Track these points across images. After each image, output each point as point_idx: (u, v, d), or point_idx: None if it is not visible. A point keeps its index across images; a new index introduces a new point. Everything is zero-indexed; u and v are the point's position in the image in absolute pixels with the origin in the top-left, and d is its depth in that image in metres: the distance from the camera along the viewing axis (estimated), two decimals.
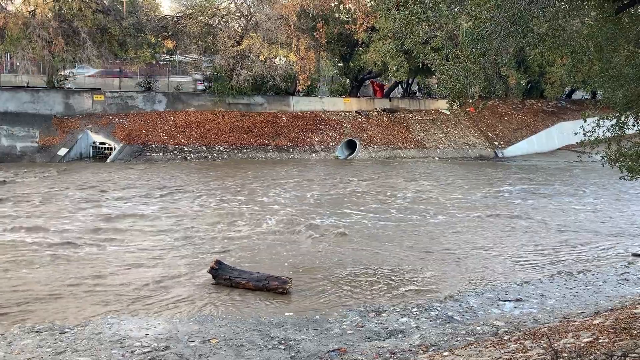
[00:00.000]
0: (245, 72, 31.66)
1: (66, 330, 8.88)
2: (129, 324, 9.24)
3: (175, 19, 33.36)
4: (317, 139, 33.05)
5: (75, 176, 23.24)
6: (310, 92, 36.22)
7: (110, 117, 30.21)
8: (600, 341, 6.65)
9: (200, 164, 28.60)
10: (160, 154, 29.23)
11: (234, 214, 17.43)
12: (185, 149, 30.05)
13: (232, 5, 33.95)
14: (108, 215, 16.81)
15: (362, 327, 9.31)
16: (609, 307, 9.82)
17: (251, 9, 33.71)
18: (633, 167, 8.37)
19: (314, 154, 32.02)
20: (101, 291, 10.90)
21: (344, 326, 9.35)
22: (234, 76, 31.92)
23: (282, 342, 8.57)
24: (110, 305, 10.17)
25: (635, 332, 6.85)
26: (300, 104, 35.01)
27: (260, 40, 31.84)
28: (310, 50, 32.91)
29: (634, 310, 8.64)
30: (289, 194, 20.95)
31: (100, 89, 32.11)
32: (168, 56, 40.52)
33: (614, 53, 8.01)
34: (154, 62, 36.29)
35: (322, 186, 22.94)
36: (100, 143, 29.10)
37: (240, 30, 33.58)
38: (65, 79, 31.38)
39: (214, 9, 33.27)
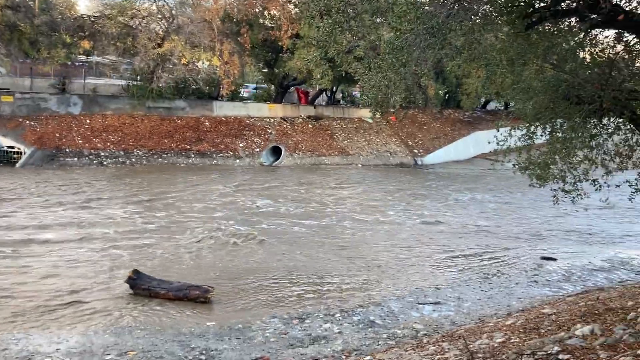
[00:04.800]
0: (166, 75, 30.93)
1: None
2: (38, 339, 8.70)
3: (92, 19, 32.03)
4: (241, 145, 32.75)
5: None
6: (234, 97, 35.87)
7: (20, 120, 28.54)
8: (512, 341, 6.96)
9: (117, 169, 27.56)
10: (75, 159, 27.92)
11: (152, 222, 16.90)
12: (102, 154, 28.87)
13: (154, 7, 33.11)
14: (17, 225, 15.81)
15: (285, 334, 9.27)
16: (520, 308, 10.32)
17: (173, 11, 33.00)
18: (541, 175, 8.84)
19: (238, 160, 31.69)
20: (9, 305, 10.21)
21: (267, 334, 9.26)
22: (155, 79, 31.08)
23: (204, 352, 8.37)
24: (19, 320, 9.55)
25: (543, 331, 7.23)
26: (224, 109, 34.57)
27: (183, 43, 31.22)
28: (234, 55, 32.63)
29: (542, 311, 9.13)
30: (211, 201, 20.58)
31: (9, 89, 30.26)
32: (85, 57, 38.83)
33: (524, 67, 8.44)
34: (69, 63, 34.65)
35: (245, 193, 22.72)
36: (9, 147, 27.40)
37: (161, 33, 32.76)
38: None
39: (134, 10, 32.27)
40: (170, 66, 31.17)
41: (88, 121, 30.21)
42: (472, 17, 7.28)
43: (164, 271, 12.21)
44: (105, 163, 28.30)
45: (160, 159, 29.96)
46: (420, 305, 10.87)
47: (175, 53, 30.98)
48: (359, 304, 10.86)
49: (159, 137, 31.06)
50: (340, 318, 10.06)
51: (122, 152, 29.47)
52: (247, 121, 34.60)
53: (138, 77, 32.56)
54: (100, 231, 15.58)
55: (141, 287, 10.83)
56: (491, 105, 46.28)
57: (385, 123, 37.52)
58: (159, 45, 31.19)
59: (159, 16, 33.30)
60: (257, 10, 35.28)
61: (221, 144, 32.37)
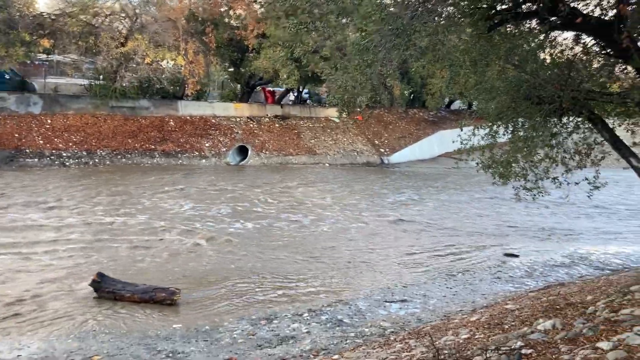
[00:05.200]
0: (130, 74, 30.40)
1: None
2: None
3: (52, 17, 31.24)
4: (207, 145, 32.46)
5: None
6: (199, 96, 35.54)
7: None
8: (476, 337, 7.10)
9: (80, 170, 26.96)
10: (36, 160, 27.21)
11: (116, 224, 16.60)
12: (64, 155, 28.20)
13: (117, 6, 32.46)
14: None
15: (253, 335, 9.23)
16: (484, 304, 10.52)
17: (137, 10, 32.45)
18: (503, 173, 9.05)
19: (204, 160, 31.39)
20: None
21: (235, 335, 9.21)
22: (118, 78, 30.52)
23: (170, 355, 8.28)
24: None
25: (506, 326, 7.39)
26: (189, 109, 34.21)
27: (147, 42, 30.75)
28: (200, 55, 32.31)
29: (505, 306, 9.33)
30: (176, 202, 20.34)
31: None
32: (45, 56, 37.85)
33: (487, 68, 8.61)
34: (29, 62, 33.73)
35: (211, 193, 22.53)
36: None
37: (125, 32, 32.19)
38: None
39: (97, 9, 31.61)
40: (134, 65, 30.65)
41: (49, 121, 29.48)
42: (436, 18, 7.39)
43: (129, 274, 12.01)
44: (67, 164, 27.66)
45: (124, 159, 29.45)
46: (388, 303, 10.97)
47: (139, 52, 30.49)
48: (326, 303, 10.89)
49: (123, 137, 30.53)
50: (308, 318, 10.07)
51: (84, 153, 28.85)
52: (213, 120, 34.32)
53: (101, 77, 31.95)
54: (62, 233, 15.22)
55: (106, 290, 10.63)
56: (455, 105, 47.00)
57: (352, 122, 37.76)
58: (122, 45, 30.65)
59: (122, 15, 32.71)
60: (222, 9, 35.02)
61: (186, 143, 32.02)
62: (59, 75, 35.87)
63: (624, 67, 9.42)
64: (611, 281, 10.32)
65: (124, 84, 30.56)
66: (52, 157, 27.71)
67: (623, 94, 8.75)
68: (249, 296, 11.21)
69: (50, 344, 8.60)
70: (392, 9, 7.14)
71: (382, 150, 37.53)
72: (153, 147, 30.88)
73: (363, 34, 7.55)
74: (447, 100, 44.76)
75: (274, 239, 15.83)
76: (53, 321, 9.60)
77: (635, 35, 8.25)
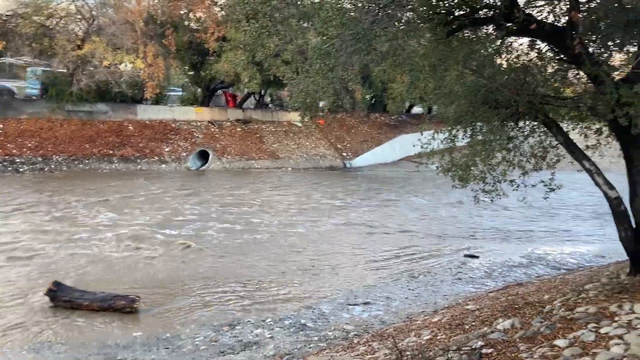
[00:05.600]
0: (87, 78, 29.69)
1: None
2: None
3: (4, 18, 30.26)
4: (167, 149, 31.98)
5: None
6: (159, 100, 34.99)
7: None
8: (438, 337, 7.19)
9: (35, 176, 26.16)
10: None
11: (72, 231, 16.17)
12: (18, 160, 27.30)
13: (72, 7, 31.68)
14: None
15: (216, 341, 9.13)
16: (446, 305, 10.67)
17: (93, 12, 31.76)
18: (463, 176, 9.18)
19: (164, 165, 30.91)
20: None
21: (197, 342, 9.09)
22: (74, 82, 29.77)
23: None
24: None
25: (467, 326, 7.51)
26: (148, 113, 33.64)
27: (104, 45, 30.10)
28: (159, 58, 31.83)
29: (466, 307, 9.49)
30: (136, 208, 19.95)
31: None
32: None
33: (446, 72, 8.74)
34: None
35: (171, 198, 22.19)
36: None
37: (81, 34, 31.45)
38: None
39: (51, 10, 30.76)
40: (91, 68, 29.96)
41: (1, 126, 28.51)
42: (396, 23, 7.47)
43: (87, 281, 11.71)
44: (21, 170, 26.79)
45: (81, 165, 28.73)
46: (351, 306, 11.01)
47: (96, 55, 29.82)
48: (290, 308, 10.86)
49: (80, 142, 29.78)
50: (271, 323, 10.02)
51: (39, 158, 28.00)
52: (173, 125, 33.84)
53: (56, 80, 31.05)
54: (15, 242, 14.73)
55: (62, 299, 10.33)
56: (416, 109, 47.62)
57: (315, 127, 37.81)
58: (79, 47, 29.91)
59: (79, 17, 31.95)
60: (182, 12, 34.60)
61: (146, 148, 31.46)
62: (12, 79, 34.77)
63: (576, 72, 9.72)
64: (567, 280, 10.62)
65: (81, 88, 29.82)
66: (5, 163, 26.80)
67: (576, 98, 9.02)
68: (211, 302, 11.08)
69: (4, 357, 8.31)
70: (352, 13, 7.18)
71: (345, 154, 37.71)
72: (111, 152, 30.23)
73: (324, 38, 7.56)
74: (407, 104, 45.29)
75: (236, 244, 15.70)
76: (6, 332, 9.28)
77: (586, 41, 8.53)
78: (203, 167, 31.97)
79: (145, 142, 31.75)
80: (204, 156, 32.79)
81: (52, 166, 27.90)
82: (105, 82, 30.40)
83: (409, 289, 12.20)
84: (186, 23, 35.00)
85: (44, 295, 10.46)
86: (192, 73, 38.09)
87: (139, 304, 10.35)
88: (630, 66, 7.64)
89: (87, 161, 29.15)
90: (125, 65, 32.95)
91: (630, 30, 8.82)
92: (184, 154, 32.16)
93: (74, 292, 10.51)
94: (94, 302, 10.29)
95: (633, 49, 9.03)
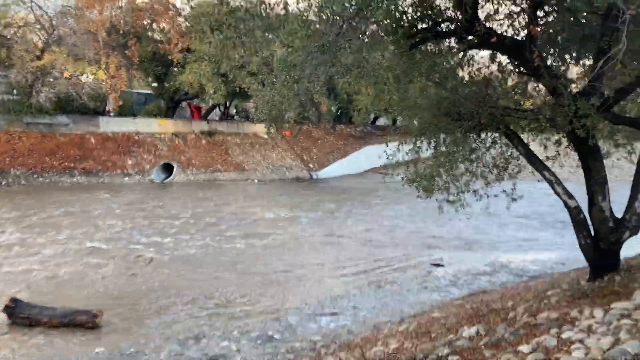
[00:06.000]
0: (47, 89, 29.05)
1: None
2: None
3: None
4: (130, 162, 31.47)
5: None
6: (122, 112, 34.45)
7: None
8: (405, 346, 7.24)
9: None
10: None
11: (32, 245, 15.72)
12: None
13: (31, 16, 31.00)
14: None
15: (181, 355, 8.98)
16: (412, 314, 10.76)
17: (53, 22, 31.13)
18: (427, 187, 9.32)
19: (127, 178, 30.39)
20: None
21: (162, 357, 8.92)
22: (34, 93, 29.08)
23: None
24: None
25: (433, 334, 7.59)
26: (111, 125, 33.06)
27: (65, 55, 29.51)
28: (122, 69, 31.41)
29: (432, 315, 9.58)
30: (96, 221, 19.54)
31: None
32: None
33: (410, 84, 8.89)
34: None
35: (134, 211, 21.82)
36: None
37: (40, 44, 30.78)
38: None
39: (8, 19, 30.04)
40: (51, 80, 29.34)
41: None
42: (361, 36, 7.56)
43: (46, 297, 11.37)
44: None
45: (41, 179, 28.01)
46: (318, 317, 10.99)
47: (57, 66, 29.22)
48: (256, 319, 10.77)
49: (40, 155, 29.06)
50: (238, 335, 9.91)
51: None
52: (137, 137, 33.34)
53: (14, 91, 30.30)
54: None
55: (20, 315, 10.01)
56: (381, 121, 48.12)
57: (281, 138, 37.76)
58: (38, 58, 29.27)
59: (38, 26, 31.29)
60: (145, 22, 34.26)
61: (108, 161, 30.90)
62: None
63: (536, 85, 10.01)
64: (529, 287, 10.85)
65: (41, 100, 29.14)
66: None
67: (536, 110, 9.28)
68: (176, 316, 10.90)
69: None
70: (317, 26, 7.25)
71: (311, 165, 37.79)
72: (73, 165, 29.58)
73: (289, 50, 7.60)
74: (372, 116, 45.76)
75: (202, 256, 15.52)
76: None
77: (545, 54, 8.80)
78: (167, 180, 31.56)
79: (108, 155, 31.19)
80: (168, 169, 32.38)
81: (10, 180, 27.13)
82: (66, 93, 29.78)
83: (376, 299, 12.25)
84: (150, 34, 34.68)
85: (1, 312, 10.11)
86: (156, 84, 37.68)
87: (101, 319, 10.10)
88: (587, 79, 7.91)
89: (47, 175, 28.45)
90: (87, 77, 32.36)
91: (586, 44, 9.15)
92: (148, 167, 31.70)
93: (32, 308, 10.20)
94: (54, 318, 10.00)
95: (589, 62, 9.36)
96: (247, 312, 11.25)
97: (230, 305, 11.62)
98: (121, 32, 32.76)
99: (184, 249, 16.29)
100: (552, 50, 9.77)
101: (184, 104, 40.15)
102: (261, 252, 16.33)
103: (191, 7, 30.77)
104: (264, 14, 7.17)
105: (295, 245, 17.33)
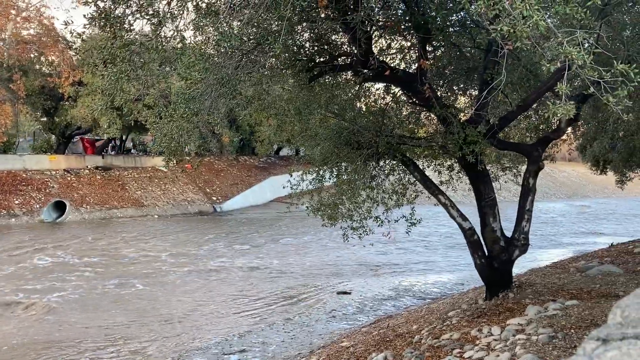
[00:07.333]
0: None
1: None
2: None
3: None
4: (17, 202, 29.28)
5: None
6: (6, 149, 32.13)
7: None
8: None
9: None
10: None
11: None
12: None
13: None
14: None
15: None
16: (322, 345, 10.72)
17: None
18: (331, 215, 9.46)
19: (13, 219, 28.20)
20: None
21: None
22: None
23: None
24: None
25: None
26: None
27: None
28: (6, 104, 29.42)
29: (341, 344, 9.61)
30: None
31: None
32: None
33: (310, 116, 9.06)
34: None
35: (21, 254, 20.23)
36: None
37: None
38: None
39: None
40: None
41: None
42: (260, 69, 7.61)
43: None
44: None
45: None
46: (226, 356, 10.66)
47: None
48: None
49: None
50: None
51: None
52: (24, 175, 31.17)
53: None
54: None
55: None
56: (284, 151, 48.48)
57: (181, 171, 36.88)
58: None
59: None
60: (32, 55, 32.44)
61: None
62: None
63: (428, 114, 10.56)
64: (432, 309, 11.21)
65: None
66: None
67: (429, 138, 9.77)
68: None
69: None
70: (216, 59, 7.20)
71: (215, 198, 37.14)
72: None
73: (188, 82, 7.49)
74: (275, 146, 46.02)
75: (97, 301, 14.61)
76: None
77: (435, 86, 9.32)
78: (59, 219, 29.65)
79: None
80: (60, 207, 30.47)
81: None
82: None
83: (285, 332, 12.11)
84: (37, 67, 32.85)
85: None
86: (45, 119, 35.61)
87: None
88: (473, 108, 8.46)
89: None
90: None
91: (471, 75, 9.81)
92: (38, 206, 29.65)
93: None
94: None
95: (475, 93, 10.03)
96: (150, 356, 10.68)
97: (131, 350, 10.98)
98: (5, 65, 30.77)
99: (80, 294, 15.26)
100: (441, 82, 10.39)
101: (76, 138, 38.21)
102: (162, 291, 15.67)
103: (82, 40, 29.54)
104: (159, 47, 7.02)
105: (198, 282, 16.81)
